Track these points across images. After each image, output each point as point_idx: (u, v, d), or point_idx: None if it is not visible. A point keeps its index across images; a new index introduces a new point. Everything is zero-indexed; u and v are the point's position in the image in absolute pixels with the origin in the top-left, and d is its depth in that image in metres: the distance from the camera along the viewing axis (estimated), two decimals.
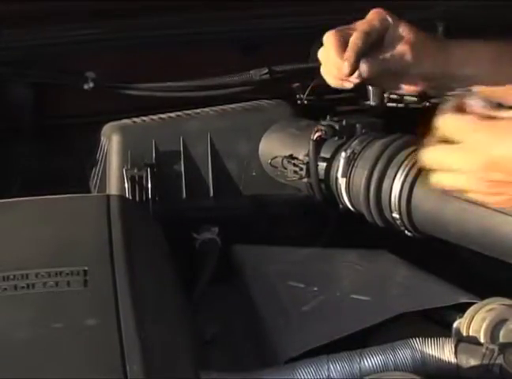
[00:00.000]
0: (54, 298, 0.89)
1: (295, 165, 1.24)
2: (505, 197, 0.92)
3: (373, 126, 1.25)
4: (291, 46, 1.51)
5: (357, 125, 1.24)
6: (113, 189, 1.28)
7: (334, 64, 1.13)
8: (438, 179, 0.94)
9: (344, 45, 1.12)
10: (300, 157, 1.25)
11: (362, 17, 1.53)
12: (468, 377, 0.88)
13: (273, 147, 1.31)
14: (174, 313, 0.99)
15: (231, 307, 1.17)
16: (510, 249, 1.02)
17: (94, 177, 1.39)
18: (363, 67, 1.12)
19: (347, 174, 1.18)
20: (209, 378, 0.90)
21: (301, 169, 1.23)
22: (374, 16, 1.16)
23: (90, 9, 1.43)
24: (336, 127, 1.24)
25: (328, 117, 1.28)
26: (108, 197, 1.10)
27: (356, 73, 1.12)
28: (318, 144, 1.23)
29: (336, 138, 1.23)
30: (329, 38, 1.14)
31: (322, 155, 1.23)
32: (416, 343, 0.90)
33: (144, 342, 0.83)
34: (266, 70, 1.49)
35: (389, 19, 1.16)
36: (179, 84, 1.48)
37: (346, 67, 1.10)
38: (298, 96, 1.50)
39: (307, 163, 1.22)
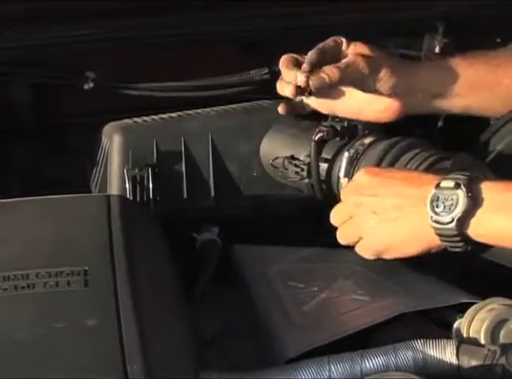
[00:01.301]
0: (54, 298, 0.89)
1: (296, 166, 1.24)
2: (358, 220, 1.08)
3: (374, 127, 1.25)
4: (291, 46, 1.51)
5: (359, 126, 1.24)
6: (114, 189, 1.28)
7: (286, 77, 1.19)
8: (339, 236, 1.12)
9: (295, 62, 1.20)
10: (302, 158, 1.25)
11: (361, 17, 1.55)
12: (470, 378, 0.88)
13: (274, 147, 1.31)
14: (174, 313, 0.99)
15: (231, 307, 1.17)
16: (510, 252, 1.02)
17: (95, 177, 1.38)
18: (318, 77, 1.14)
19: (349, 174, 1.18)
20: (209, 378, 0.90)
21: (302, 170, 1.23)
22: (328, 40, 1.21)
23: (90, 9, 1.43)
24: (338, 128, 1.24)
25: (329, 118, 1.28)
26: (108, 197, 1.10)
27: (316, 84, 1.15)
28: (320, 144, 1.23)
29: (338, 139, 1.23)
30: (283, 59, 1.21)
31: (324, 155, 1.23)
32: (418, 344, 0.90)
33: (144, 342, 0.83)
34: (266, 70, 1.49)
35: (342, 39, 1.21)
36: (179, 84, 1.48)
37: (301, 76, 1.14)
38: None
39: (309, 163, 1.22)
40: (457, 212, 0.97)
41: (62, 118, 1.54)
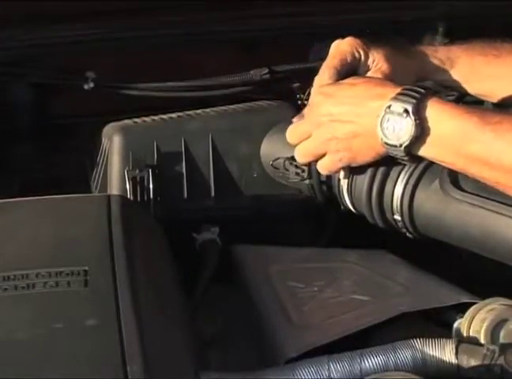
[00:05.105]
0: (54, 298, 0.89)
1: (296, 166, 1.24)
2: (335, 143, 1.11)
3: None
4: (291, 46, 1.51)
5: None
6: (114, 190, 1.28)
7: None
8: (297, 152, 1.17)
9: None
10: None
11: (361, 17, 1.55)
12: (468, 377, 0.88)
13: (275, 148, 1.31)
14: (174, 313, 0.99)
15: (231, 307, 1.17)
16: (511, 252, 1.02)
17: (95, 178, 1.38)
18: None
19: (349, 175, 1.18)
20: (209, 378, 0.90)
21: (303, 170, 1.23)
22: (345, 49, 1.20)
23: (90, 9, 1.43)
24: None
25: None
26: (109, 197, 1.10)
27: None
28: None
29: None
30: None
31: None
32: (417, 343, 0.90)
33: (144, 342, 0.83)
34: (266, 70, 1.49)
35: (361, 50, 1.20)
36: (179, 84, 1.48)
37: None
38: (298, 96, 1.50)
39: (309, 164, 1.22)
40: (405, 139, 1.02)
41: (62, 118, 1.54)
